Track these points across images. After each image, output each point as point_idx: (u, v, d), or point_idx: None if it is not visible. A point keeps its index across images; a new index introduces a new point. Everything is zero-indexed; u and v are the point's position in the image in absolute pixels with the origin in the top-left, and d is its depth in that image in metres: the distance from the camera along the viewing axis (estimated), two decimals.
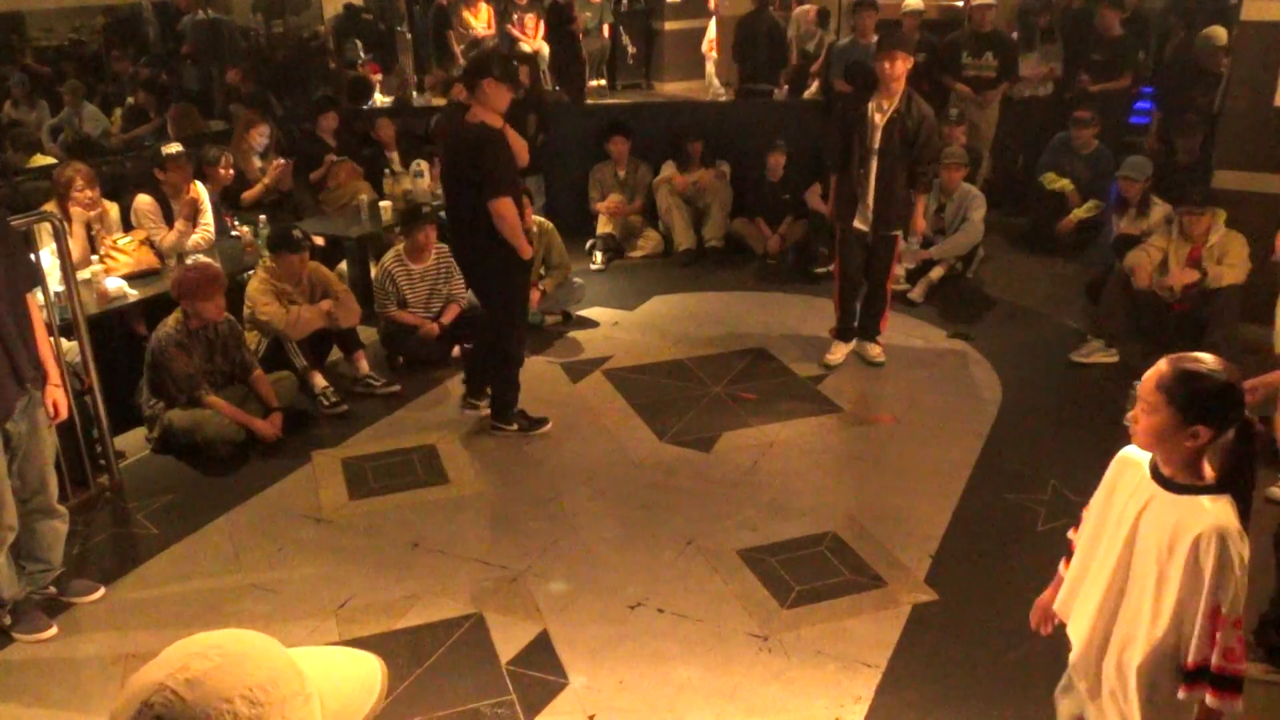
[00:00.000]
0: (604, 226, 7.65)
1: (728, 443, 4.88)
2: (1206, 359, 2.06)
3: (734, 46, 10.36)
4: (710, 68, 11.62)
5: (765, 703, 3.20)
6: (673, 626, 3.56)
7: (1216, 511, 2.02)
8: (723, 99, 10.97)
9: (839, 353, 5.73)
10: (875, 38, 7.80)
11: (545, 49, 10.33)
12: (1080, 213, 7.29)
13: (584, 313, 6.53)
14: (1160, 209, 6.15)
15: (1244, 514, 2.04)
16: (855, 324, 5.75)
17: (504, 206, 4.47)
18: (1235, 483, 2.04)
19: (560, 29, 10.04)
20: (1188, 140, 6.86)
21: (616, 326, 6.41)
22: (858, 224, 5.45)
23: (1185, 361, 2.07)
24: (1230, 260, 5.51)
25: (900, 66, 5.12)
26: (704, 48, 11.70)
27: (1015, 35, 8.54)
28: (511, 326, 4.86)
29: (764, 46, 9.77)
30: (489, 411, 5.05)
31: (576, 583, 3.82)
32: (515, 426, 4.98)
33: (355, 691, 1.11)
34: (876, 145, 5.24)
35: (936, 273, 6.76)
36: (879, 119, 5.22)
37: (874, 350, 5.72)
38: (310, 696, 1.02)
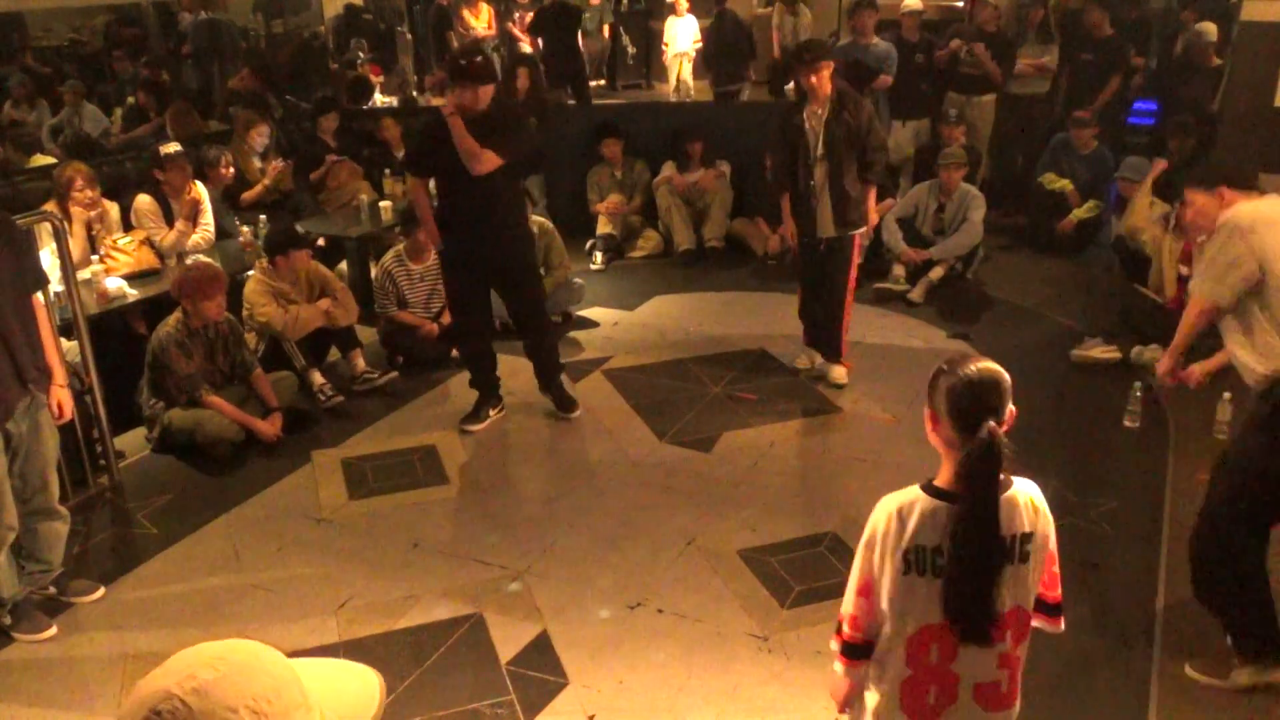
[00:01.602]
0: (604, 227, 7.65)
1: (728, 443, 4.87)
2: (972, 361, 2.08)
3: (703, 49, 10.38)
4: (677, 69, 11.28)
5: (765, 703, 3.20)
6: (673, 626, 3.56)
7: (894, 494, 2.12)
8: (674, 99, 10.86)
9: (809, 360, 5.59)
10: (875, 39, 7.83)
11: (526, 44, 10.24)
12: (1080, 213, 7.29)
13: (584, 313, 6.53)
14: (1159, 208, 6.15)
15: (969, 519, 1.96)
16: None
17: (409, 183, 4.90)
18: (964, 485, 1.98)
19: (560, 29, 10.01)
20: (1180, 141, 6.87)
21: (616, 326, 6.41)
22: (822, 231, 5.22)
23: (951, 358, 2.13)
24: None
25: (825, 76, 5.03)
26: (667, 52, 11.35)
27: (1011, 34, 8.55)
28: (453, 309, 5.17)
29: (730, 46, 9.78)
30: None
31: (576, 583, 3.82)
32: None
33: (355, 703, 1.12)
34: (820, 151, 5.12)
35: (936, 273, 6.76)
36: (816, 125, 5.11)
37: (838, 372, 5.42)
38: (312, 709, 1.03)
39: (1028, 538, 2.03)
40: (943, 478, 2.08)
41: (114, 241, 5.36)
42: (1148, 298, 5.93)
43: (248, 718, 0.96)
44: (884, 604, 2.07)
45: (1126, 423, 4.89)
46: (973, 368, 2.06)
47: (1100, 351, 5.63)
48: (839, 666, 2.18)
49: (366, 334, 5.83)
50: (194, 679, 0.96)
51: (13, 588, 3.56)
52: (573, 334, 6.27)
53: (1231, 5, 7.66)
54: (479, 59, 4.63)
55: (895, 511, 2.07)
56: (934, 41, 8.18)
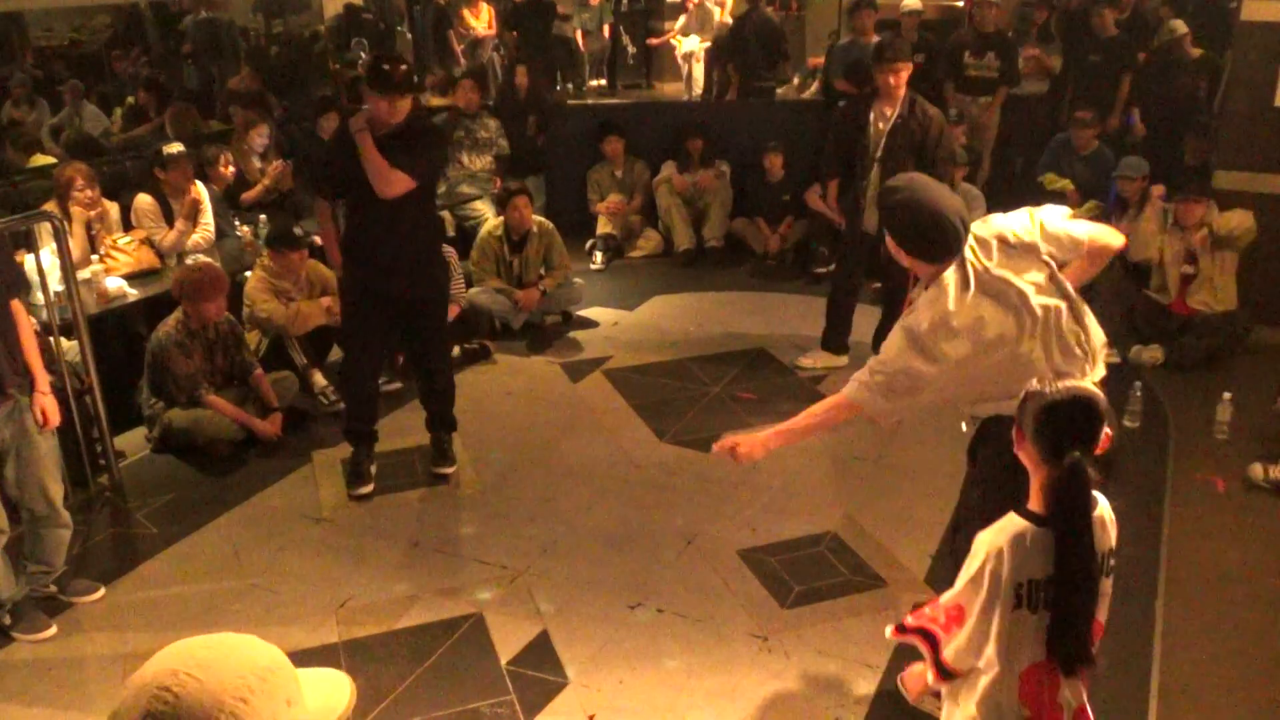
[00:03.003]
0: (604, 226, 7.65)
1: None
2: (1064, 383, 2.01)
3: (725, 47, 10.35)
4: (690, 70, 11.31)
5: (765, 703, 3.20)
6: (673, 626, 3.56)
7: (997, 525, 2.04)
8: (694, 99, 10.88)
9: (817, 360, 5.57)
10: (875, 38, 7.82)
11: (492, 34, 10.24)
12: (1080, 213, 7.22)
13: (584, 313, 6.53)
14: (1158, 207, 6.15)
15: (1072, 554, 1.94)
16: (847, 335, 5.58)
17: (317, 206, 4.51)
18: (1058, 519, 1.95)
19: (538, 22, 10.00)
20: (1197, 142, 6.87)
21: (616, 326, 6.41)
22: (867, 226, 5.25)
23: (1043, 380, 2.05)
24: (1237, 219, 5.49)
25: (903, 77, 5.05)
26: (680, 51, 11.40)
27: (1011, 33, 8.54)
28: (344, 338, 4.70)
29: (755, 46, 9.77)
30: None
31: (576, 583, 3.82)
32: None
33: (329, 695, 1.17)
34: (879, 154, 5.14)
35: None
36: (882, 126, 5.14)
37: None
38: (299, 697, 1.07)
39: (1111, 552, 2.02)
40: (1036, 502, 2.03)
41: (114, 241, 5.36)
42: (1148, 298, 5.93)
43: (255, 684, 1.01)
44: (990, 644, 2.01)
45: (1126, 422, 4.89)
46: (1062, 390, 1.97)
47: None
48: (932, 679, 2.13)
49: None
50: (193, 657, 1.00)
51: (11, 588, 3.56)
52: (573, 334, 6.27)
53: (1228, 7, 7.70)
54: (403, 66, 4.08)
55: (1006, 546, 1.99)
56: (934, 41, 8.18)
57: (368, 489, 4.47)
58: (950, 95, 7.96)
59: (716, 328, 6.32)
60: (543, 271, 6.25)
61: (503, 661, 3.39)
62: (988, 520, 2.80)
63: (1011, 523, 2.02)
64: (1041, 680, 2.02)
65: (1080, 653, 1.95)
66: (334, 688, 1.18)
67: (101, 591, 3.81)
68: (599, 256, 7.50)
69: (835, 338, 5.63)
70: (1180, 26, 7.59)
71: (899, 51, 5.16)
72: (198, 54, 9.72)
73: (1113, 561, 2.01)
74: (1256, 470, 4.35)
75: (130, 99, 8.72)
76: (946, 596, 2.12)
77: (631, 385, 5.52)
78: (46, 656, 3.50)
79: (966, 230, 2.66)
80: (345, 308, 4.53)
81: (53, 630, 3.59)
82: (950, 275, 2.62)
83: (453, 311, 5.81)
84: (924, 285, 2.72)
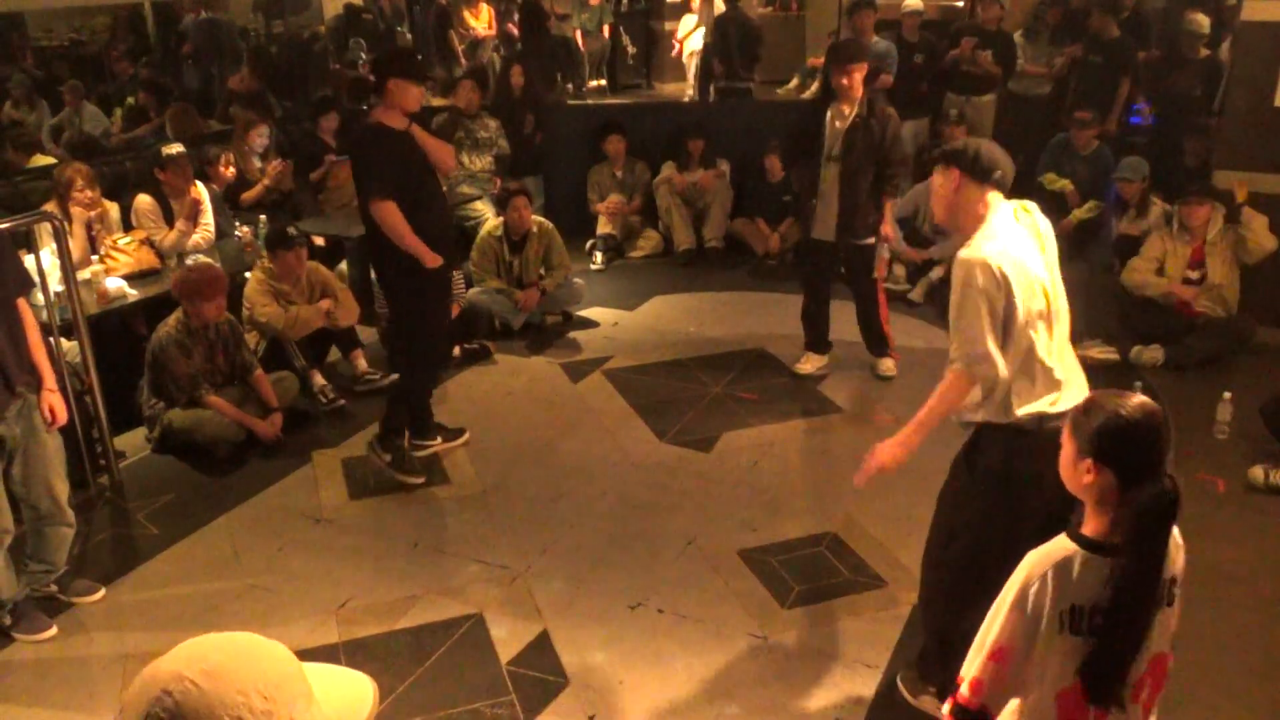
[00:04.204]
0: (604, 227, 7.66)
1: (728, 443, 4.87)
2: (1131, 398, 1.88)
3: (707, 46, 10.40)
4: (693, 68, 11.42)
5: (765, 703, 3.20)
6: (673, 626, 3.56)
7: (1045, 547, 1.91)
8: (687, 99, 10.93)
9: (808, 364, 5.59)
10: (874, 38, 7.83)
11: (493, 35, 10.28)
12: (1080, 213, 7.27)
13: (584, 313, 6.53)
14: (1158, 208, 6.15)
15: (1136, 582, 1.82)
16: (826, 335, 5.61)
17: (382, 209, 4.15)
18: (1135, 546, 1.81)
19: (534, 24, 10.02)
20: (1195, 143, 6.87)
21: (616, 326, 6.41)
22: (818, 234, 5.29)
23: (1099, 394, 1.94)
24: (1256, 228, 5.48)
25: (859, 78, 5.04)
26: (685, 50, 11.50)
27: (1019, 33, 8.52)
28: (415, 350, 4.56)
29: (735, 45, 9.81)
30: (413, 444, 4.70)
31: (576, 583, 3.82)
32: (389, 458, 4.55)
33: (350, 700, 1.15)
34: (836, 152, 5.12)
35: (936, 273, 6.76)
36: (839, 125, 5.11)
37: (885, 365, 5.53)
38: (315, 700, 1.05)
39: (1175, 580, 1.89)
40: (1092, 527, 1.88)
41: (114, 241, 5.36)
42: (1149, 299, 5.92)
43: (257, 701, 0.97)
44: (1028, 669, 1.88)
45: None
46: (1133, 406, 1.83)
47: (1099, 352, 5.62)
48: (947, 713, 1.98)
49: (367, 334, 5.84)
50: (205, 661, 0.98)
51: (12, 589, 3.56)
52: (573, 334, 6.27)
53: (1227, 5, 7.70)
54: (420, 55, 4.51)
55: (1052, 570, 1.85)
56: (934, 42, 8.18)
57: (421, 480, 4.55)
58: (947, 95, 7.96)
59: (716, 328, 6.32)
60: (543, 272, 6.25)
61: (503, 661, 3.39)
62: (990, 536, 2.79)
63: (1059, 547, 1.89)
64: (1080, 704, 1.89)
65: (1110, 684, 1.82)
66: (354, 694, 1.15)
67: (102, 592, 3.81)
68: (599, 256, 7.50)
69: (817, 341, 5.63)
70: (1201, 24, 7.51)
71: (855, 53, 5.14)
72: (198, 54, 9.73)
73: (1176, 590, 1.87)
74: (1257, 473, 4.35)
75: (130, 99, 8.72)
76: (983, 638, 1.94)
77: (631, 385, 5.52)
78: (47, 657, 3.50)
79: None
80: (428, 301, 4.44)
81: (53, 631, 3.60)
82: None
83: (453, 311, 5.82)
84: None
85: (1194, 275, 5.64)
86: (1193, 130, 7.01)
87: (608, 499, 4.43)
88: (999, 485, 2.84)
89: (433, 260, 4.25)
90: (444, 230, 4.45)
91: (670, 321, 6.46)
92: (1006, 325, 2.67)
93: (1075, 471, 1.90)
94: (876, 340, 5.55)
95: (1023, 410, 2.74)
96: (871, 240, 5.34)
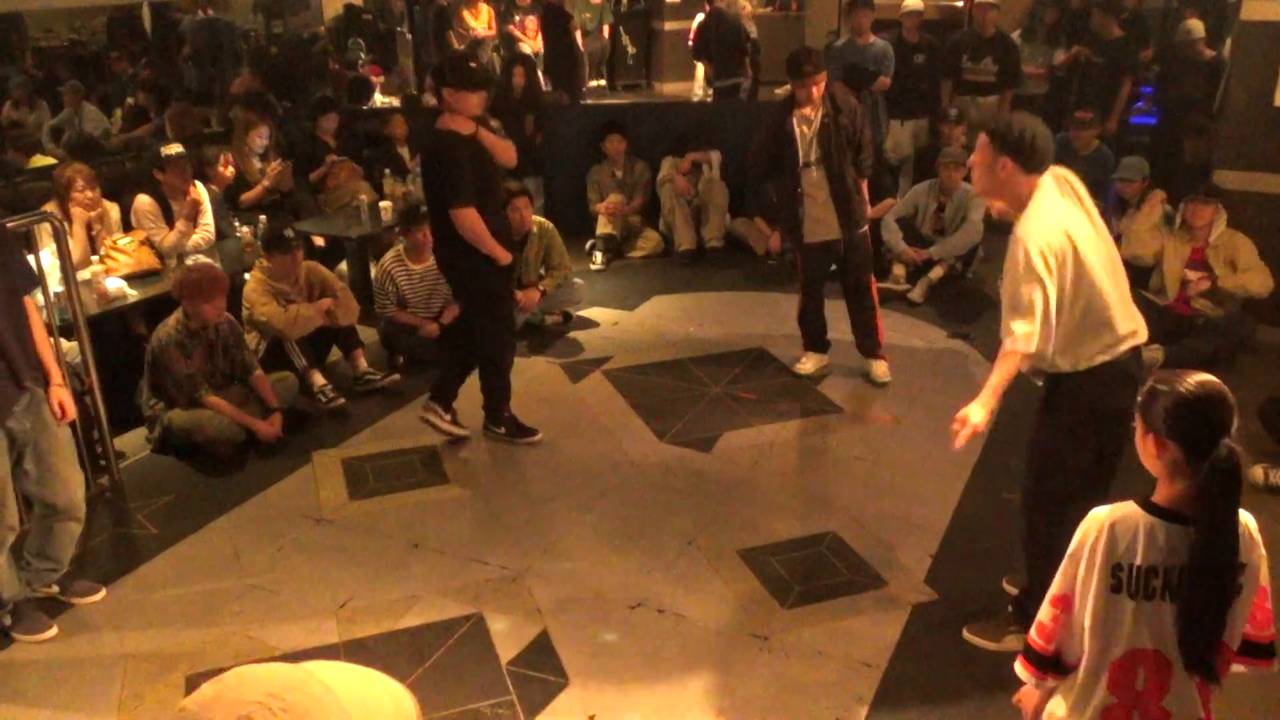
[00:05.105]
0: (604, 227, 7.65)
1: (728, 443, 4.87)
2: (1190, 375, 1.97)
3: (697, 48, 10.46)
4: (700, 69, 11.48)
5: (765, 703, 3.20)
6: (673, 626, 3.56)
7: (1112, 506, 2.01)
8: (696, 99, 10.97)
9: (809, 363, 5.57)
10: (872, 38, 7.82)
11: (541, 49, 10.36)
12: None
13: (584, 313, 6.53)
14: (1158, 208, 6.14)
15: (1214, 548, 1.90)
16: (824, 334, 5.59)
17: (465, 216, 4.32)
18: (1208, 513, 1.91)
19: (557, 30, 10.05)
20: (1195, 143, 6.87)
21: (616, 326, 6.41)
22: (818, 237, 5.25)
23: (1160, 375, 2.02)
24: (1245, 263, 5.48)
25: (821, 89, 5.05)
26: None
27: (1018, 33, 8.53)
28: (496, 332, 4.74)
29: (717, 45, 9.86)
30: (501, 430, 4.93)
31: (576, 583, 3.82)
32: (504, 430, 4.90)
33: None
34: (814, 156, 5.11)
35: (936, 273, 6.77)
36: (807, 130, 5.10)
37: (879, 369, 5.44)
38: None
39: (1240, 568, 1.94)
40: (1163, 495, 1.98)
41: (114, 242, 5.36)
42: (1146, 298, 5.92)
43: None
44: (1086, 621, 1.97)
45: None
46: (1193, 383, 1.94)
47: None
48: (1022, 672, 2.09)
49: (367, 334, 5.84)
50: (281, 700, 0.98)
51: (13, 588, 3.56)
52: (573, 334, 6.27)
53: (1230, 4, 7.70)
54: (474, 62, 4.61)
55: (1109, 525, 1.96)
56: (934, 42, 8.18)
57: (539, 436, 4.88)
58: (948, 95, 7.97)
59: (716, 328, 6.32)
60: (543, 272, 6.24)
61: (503, 661, 3.39)
62: (1075, 471, 3.06)
63: (1128, 508, 1.98)
64: (1136, 673, 1.95)
65: (1204, 652, 1.89)
66: (398, 707, 1.14)
67: (102, 592, 3.81)
68: (599, 256, 7.50)
69: (815, 341, 5.62)
70: (1196, 29, 7.56)
71: (817, 64, 5.11)
72: (198, 55, 9.74)
73: (1240, 580, 1.93)
74: (1257, 473, 4.35)
75: (130, 100, 8.73)
76: (1052, 586, 2.05)
77: (631, 385, 5.52)
78: (48, 657, 3.50)
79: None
80: (501, 302, 4.73)
81: (53, 631, 3.60)
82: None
83: (453, 311, 5.82)
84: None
85: (1191, 276, 5.64)
86: (1193, 130, 7.01)
87: (608, 499, 4.43)
88: (1076, 424, 3.07)
89: (505, 257, 4.51)
90: (505, 225, 4.70)
91: (670, 321, 6.47)
92: (1065, 292, 2.86)
93: (1145, 448, 2.02)
94: (871, 342, 5.50)
95: (1087, 363, 2.97)
96: (865, 228, 5.37)
